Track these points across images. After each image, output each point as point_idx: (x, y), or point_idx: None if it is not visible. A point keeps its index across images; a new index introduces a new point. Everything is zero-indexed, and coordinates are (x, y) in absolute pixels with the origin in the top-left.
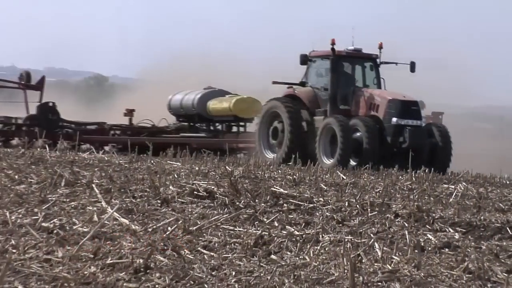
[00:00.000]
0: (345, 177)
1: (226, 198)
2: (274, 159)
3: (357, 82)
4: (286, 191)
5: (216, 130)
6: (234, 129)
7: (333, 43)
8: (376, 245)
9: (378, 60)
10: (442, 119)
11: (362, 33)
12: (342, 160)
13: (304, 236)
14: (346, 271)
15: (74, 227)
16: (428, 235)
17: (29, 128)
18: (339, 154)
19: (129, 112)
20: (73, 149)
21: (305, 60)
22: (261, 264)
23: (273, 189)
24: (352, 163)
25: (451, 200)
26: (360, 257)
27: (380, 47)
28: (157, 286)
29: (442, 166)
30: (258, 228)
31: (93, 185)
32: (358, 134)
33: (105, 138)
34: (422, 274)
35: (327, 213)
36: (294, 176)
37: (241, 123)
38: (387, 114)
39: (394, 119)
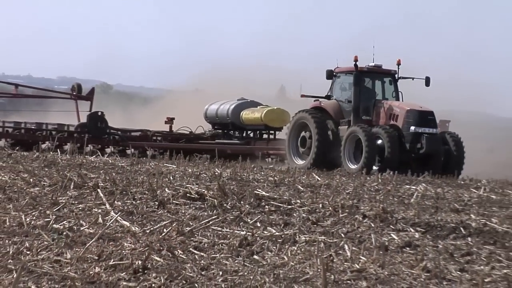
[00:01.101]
0: (319, 179)
1: (215, 200)
2: (303, 165)
3: (377, 95)
4: (267, 194)
5: (248, 137)
6: (264, 136)
7: (356, 60)
8: (346, 246)
9: (396, 75)
10: (449, 127)
11: (380, 47)
12: (367, 165)
13: (283, 236)
14: (319, 270)
15: (81, 228)
16: (392, 234)
17: (80, 134)
18: (364, 159)
19: (170, 120)
20: (80, 153)
21: (330, 75)
22: (245, 263)
23: (256, 191)
24: (374, 167)
25: (412, 200)
26: (332, 257)
27: (398, 64)
28: (153, 285)
29: (454, 171)
30: (243, 229)
31: (99, 190)
32: (379, 141)
33: (149, 144)
34: (386, 272)
35: (303, 214)
36: (275, 178)
37: (271, 131)
38: (405, 123)
39: (412, 128)
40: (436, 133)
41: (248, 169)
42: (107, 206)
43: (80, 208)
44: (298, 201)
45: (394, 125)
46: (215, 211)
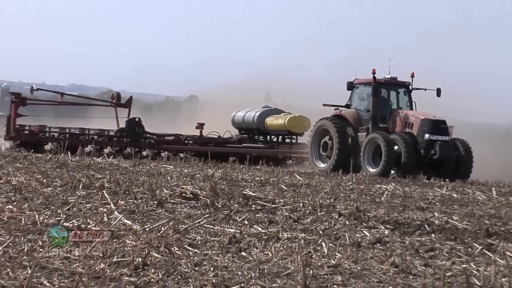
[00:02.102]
0: (301, 179)
1: (208, 200)
2: (325, 168)
3: (393, 104)
4: (254, 194)
5: (272, 142)
6: (287, 141)
7: (374, 72)
8: (323, 243)
9: (410, 86)
10: (452, 132)
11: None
12: (386, 169)
13: (267, 234)
14: (299, 266)
15: (89, 226)
16: (364, 231)
17: (119, 139)
18: (383, 164)
19: (200, 126)
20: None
21: (350, 86)
22: (233, 259)
23: (244, 192)
24: (392, 171)
25: (382, 199)
26: (310, 253)
27: (412, 76)
28: (152, 280)
29: (465, 175)
30: (232, 227)
31: (104, 191)
32: (396, 147)
33: (181, 147)
34: (359, 268)
35: (286, 213)
36: (261, 178)
37: (293, 136)
38: (420, 131)
39: (427, 135)
40: (448, 140)
41: (237, 170)
42: (112, 205)
43: (88, 207)
44: (282, 200)
45: (409, 133)
46: (207, 210)
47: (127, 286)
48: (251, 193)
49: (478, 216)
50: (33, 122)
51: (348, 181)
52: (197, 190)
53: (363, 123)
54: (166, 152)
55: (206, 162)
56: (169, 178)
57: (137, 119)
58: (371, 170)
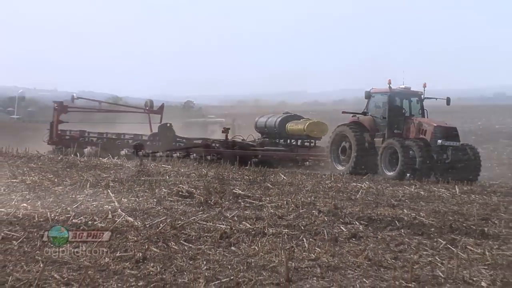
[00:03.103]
0: (285, 178)
1: (201, 197)
2: (344, 170)
3: (406, 112)
4: (243, 192)
5: (292, 145)
6: (306, 144)
7: (389, 83)
8: (304, 239)
9: (422, 96)
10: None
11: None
12: (402, 173)
13: (255, 229)
14: (283, 259)
15: (95, 223)
16: (341, 227)
17: (152, 143)
18: (400, 168)
19: (226, 130)
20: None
21: (368, 95)
22: (224, 253)
23: (234, 190)
24: (407, 174)
25: (357, 196)
26: (293, 248)
27: (424, 86)
28: (151, 272)
29: (473, 177)
30: (223, 223)
31: (109, 190)
32: (411, 152)
33: (209, 150)
34: (336, 261)
35: (271, 210)
36: (250, 177)
37: (311, 140)
38: (433, 137)
39: (439, 141)
40: (459, 146)
41: (228, 169)
42: (116, 203)
43: (94, 205)
44: (267, 198)
45: (422, 139)
46: (201, 207)
47: (128, 278)
48: (240, 191)
49: (443, 213)
50: (68, 127)
51: (327, 180)
52: (192, 189)
53: (379, 129)
54: (194, 155)
55: (200, 162)
56: (167, 177)
57: (168, 125)
58: (388, 173)
